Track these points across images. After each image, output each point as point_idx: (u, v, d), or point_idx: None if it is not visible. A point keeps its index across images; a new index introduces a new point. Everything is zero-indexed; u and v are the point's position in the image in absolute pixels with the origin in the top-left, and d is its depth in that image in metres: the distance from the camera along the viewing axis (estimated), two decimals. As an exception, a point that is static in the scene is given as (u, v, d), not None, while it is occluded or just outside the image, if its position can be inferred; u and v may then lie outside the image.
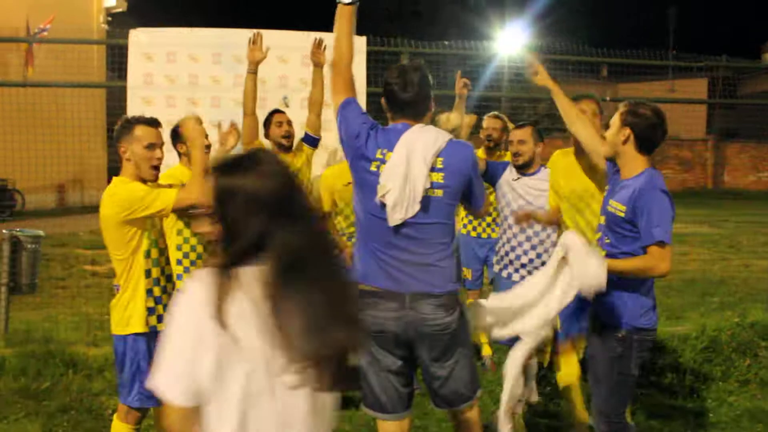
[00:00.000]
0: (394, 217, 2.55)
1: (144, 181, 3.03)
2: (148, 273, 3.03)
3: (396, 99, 2.65)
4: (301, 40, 4.68)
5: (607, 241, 2.94)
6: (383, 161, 2.58)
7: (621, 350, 2.87)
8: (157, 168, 3.06)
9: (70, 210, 12.97)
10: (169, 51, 4.49)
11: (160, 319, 3.04)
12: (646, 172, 2.87)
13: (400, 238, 2.60)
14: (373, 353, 2.69)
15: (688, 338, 5.19)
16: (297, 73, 4.67)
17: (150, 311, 3.03)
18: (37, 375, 4.46)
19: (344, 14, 2.79)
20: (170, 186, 3.23)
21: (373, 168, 2.60)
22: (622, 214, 2.83)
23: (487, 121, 4.84)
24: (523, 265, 3.99)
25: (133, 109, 4.52)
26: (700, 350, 5.12)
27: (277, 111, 4.28)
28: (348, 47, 2.78)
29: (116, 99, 4.99)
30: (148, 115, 3.19)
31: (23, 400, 4.19)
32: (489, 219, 4.89)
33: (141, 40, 4.57)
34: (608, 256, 2.87)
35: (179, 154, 3.81)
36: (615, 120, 2.93)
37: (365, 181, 2.64)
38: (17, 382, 4.39)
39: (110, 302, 3.13)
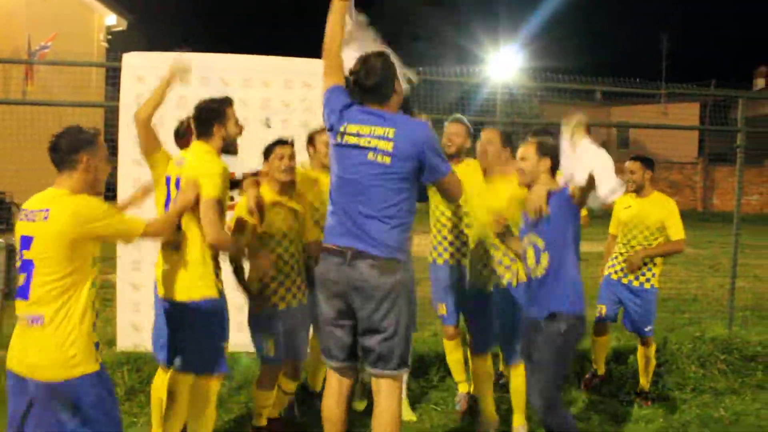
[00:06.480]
0: None
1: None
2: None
3: (360, 86, 2.95)
4: (283, 65, 5.01)
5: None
6: (345, 133, 2.94)
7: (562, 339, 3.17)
8: None
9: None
10: (159, 74, 4.74)
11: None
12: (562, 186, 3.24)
13: (354, 201, 2.92)
14: (318, 301, 3.02)
15: (649, 350, 5.44)
16: (279, 96, 4.96)
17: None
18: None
19: (335, 8, 3.12)
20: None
21: (338, 139, 2.97)
22: None
23: (448, 127, 4.25)
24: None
25: (125, 127, 4.80)
26: (659, 362, 5.38)
27: (280, 142, 3.74)
28: (335, 37, 3.10)
29: (115, 115, 5.25)
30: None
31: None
32: (458, 243, 4.22)
33: (133, 62, 4.82)
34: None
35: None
36: (530, 153, 3.27)
37: (334, 149, 3.01)
38: (2, 381, 4.63)
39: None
